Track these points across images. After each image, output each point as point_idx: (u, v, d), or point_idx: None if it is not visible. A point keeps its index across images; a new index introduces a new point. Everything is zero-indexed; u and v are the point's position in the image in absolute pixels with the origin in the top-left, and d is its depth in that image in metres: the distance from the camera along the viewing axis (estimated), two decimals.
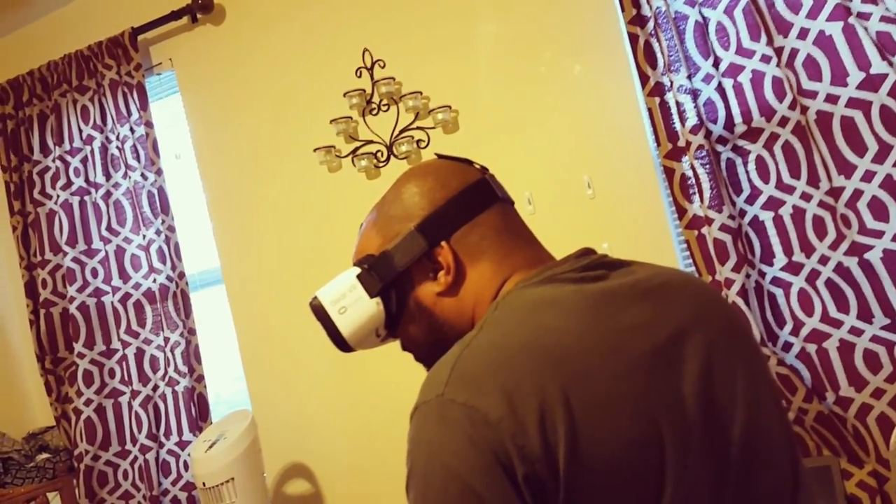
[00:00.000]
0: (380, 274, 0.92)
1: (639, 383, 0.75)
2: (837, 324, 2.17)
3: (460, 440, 0.71)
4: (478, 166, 0.97)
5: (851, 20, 2.07)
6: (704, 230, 2.30)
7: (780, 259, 2.24)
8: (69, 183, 3.19)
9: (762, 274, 2.27)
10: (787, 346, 2.23)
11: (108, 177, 3.16)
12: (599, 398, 0.72)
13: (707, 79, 2.29)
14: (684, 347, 0.79)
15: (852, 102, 2.10)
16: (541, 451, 0.69)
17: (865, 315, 2.13)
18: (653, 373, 0.76)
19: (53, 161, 3.22)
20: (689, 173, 2.32)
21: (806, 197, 2.20)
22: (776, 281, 2.25)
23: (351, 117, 2.86)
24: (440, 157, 0.98)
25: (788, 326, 2.24)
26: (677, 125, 2.32)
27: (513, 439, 0.69)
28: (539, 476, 0.69)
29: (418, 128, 2.80)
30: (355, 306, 0.94)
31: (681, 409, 0.75)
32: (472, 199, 0.91)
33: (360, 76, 2.86)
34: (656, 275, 0.86)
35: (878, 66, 2.06)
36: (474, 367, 0.75)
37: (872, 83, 2.07)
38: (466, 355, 0.77)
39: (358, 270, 0.94)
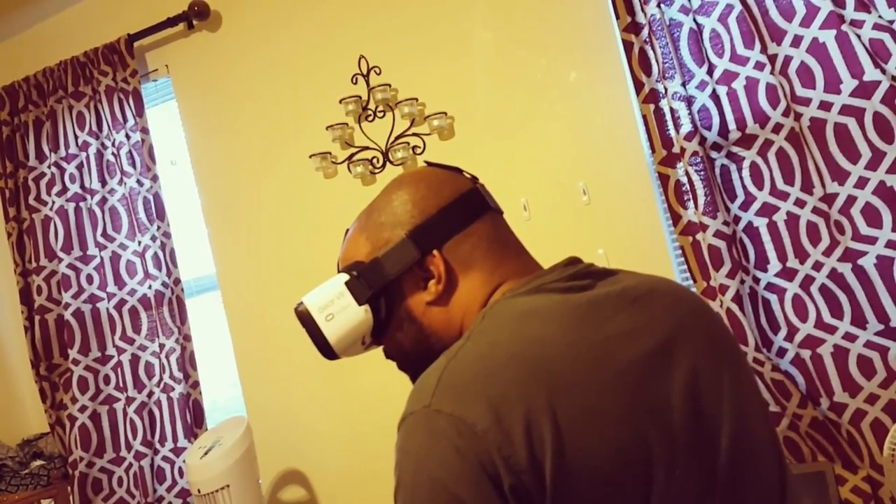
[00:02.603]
0: (369, 281, 0.91)
1: (625, 393, 0.75)
2: (832, 329, 2.17)
3: (447, 451, 0.71)
4: (468, 175, 0.96)
5: (845, 28, 2.09)
6: (699, 236, 2.30)
7: (775, 265, 2.25)
8: (65, 189, 3.19)
9: (756, 280, 2.27)
10: (782, 352, 2.24)
11: (103, 183, 3.16)
12: (585, 408, 0.72)
13: (701, 86, 2.29)
14: (671, 356, 0.79)
15: (846, 109, 2.11)
16: (527, 462, 0.69)
17: (859, 321, 2.14)
18: (639, 382, 0.76)
19: (49, 167, 3.22)
20: (684, 180, 2.32)
21: (800, 203, 2.20)
22: (770, 287, 2.26)
23: (347, 124, 2.87)
24: (430, 164, 0.97)
25: (783, 332, 2.24)
26: (672, 132, 2.33)
27: (499, 450, 0.69)
28: (526, 486, 0.69)
29: (414, 134, 2.81)
30: (343, 314, 0.92)
31: (668, 417, 0.76)
32: (464, 208, 0.91)
33: (355, 82, 2.87)
34: (642, 283, 0.86)
35: (871, 73, 2.07)
36: (461, 378, 0.75)
37: (865, 90, 2.08)
38: (453, 366, 0.76)
39: (346, 277, 0.93)
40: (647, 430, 0.74)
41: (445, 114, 2.74)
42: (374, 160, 2.87)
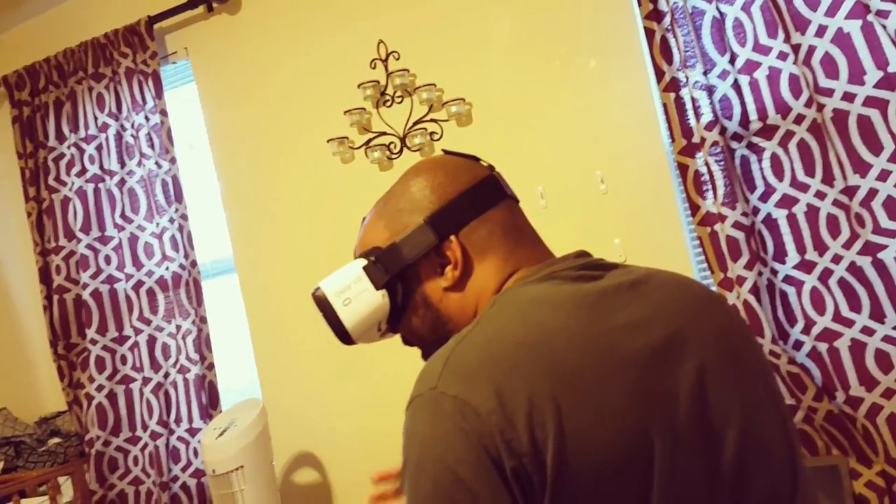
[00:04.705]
0: (386, 266, 0.92)
1: (628, 382, 0.75)
2: (849, 323, 2.16)
3: (451, 433, 0.72)
4: (485, 163, 0.97)
5: (870, 18, 2.06)
6: (717, 227, 2.29)
7: (793, 257, 2.24)
8: (84, 170, 3.21)
9: (774, 272, 2.26)
10: (798, 345, 2.23)
11: (122, 164, 3.18)
12: (588, 396, 0.73)
13: (723, 75, 2.28)
14: (680, 349, 0.79)
15: (869, 101, 2.09)
16: (528, 446, 0.70)
17: (878, 315, 2.12)
18: (645, 372, 0.76)
19: (68, 148, 3.24)
20: (703, 170, 2.31)
21: (820, 195, 2.19)
22: (788, 279, 2.25)
23: (364, 109, 2.86)
24: (447, 153, 0.98)
25: (800, 325, 2.23)
26: (692, 121, 2.31)
27: (501, 433, 0.70)
28: (526, 470, 0.70)
29: (432, 120, 2.80)
30: (360, 298, 0.93)
31: (672, 409, 0.76)
32: (481, 195, 0.91)
33: (374, 68, 2.86)
34: (653, 276, 0.87)
35: None
36: (467, 362, 0.76)
37: (890, 82, 2.06)
38: (460, 350, 0.77)
39: (363, 262, 0.93)
40: (650, 421, 0.74)
41: (463, 100, 2.73)
42: (392, 146, 2.86)
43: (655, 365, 0.77)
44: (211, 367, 3.06)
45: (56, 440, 3.15)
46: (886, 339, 2.11)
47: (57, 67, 3.27)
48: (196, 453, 3.07)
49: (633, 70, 2.52)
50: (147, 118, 3.12)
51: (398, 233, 0.91)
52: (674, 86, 2.34)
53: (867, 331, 2.13)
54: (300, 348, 3.05)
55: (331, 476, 3.05)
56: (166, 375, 3.11)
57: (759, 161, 2.27)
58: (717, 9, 2.27)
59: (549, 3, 2.62)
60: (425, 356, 0.98)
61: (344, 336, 0.96)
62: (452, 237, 0.89)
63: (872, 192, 2.09)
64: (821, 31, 2.13)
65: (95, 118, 3.22)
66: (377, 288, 0.93)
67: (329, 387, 3.03)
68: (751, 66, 2.25)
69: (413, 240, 0.90)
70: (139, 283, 3.17)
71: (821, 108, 2.14)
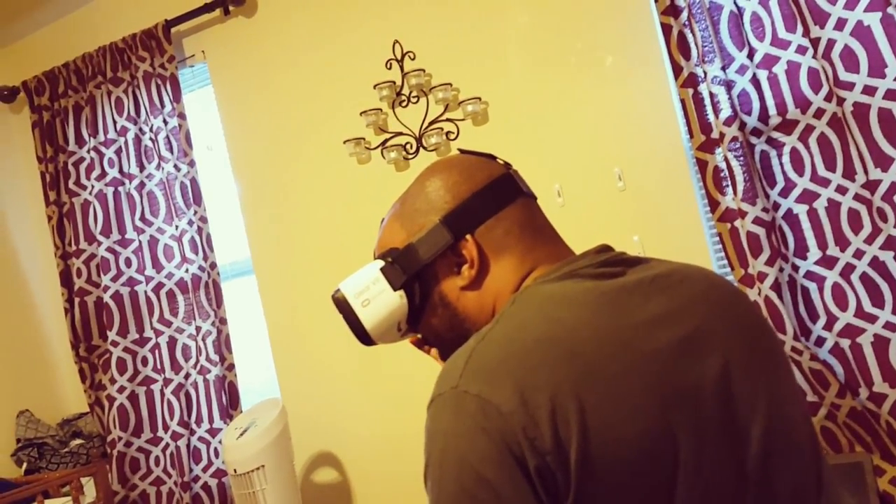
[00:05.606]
0: (404, 266, 0.92)
1: (652, 379, 0.74)
2: (872, 319, 2.14)
3: (474, 431, 0.72)
4: (501, 161, 0.97)
5: (890, 10, 2.04)
6: (737, 223, 2.27)
7: (815, 253, 2.22)
8: (103, 174, 3.24)
9: (796, 268, 2.24)
10: (821, 341, 2.21)
11: (141, 168, 3.21)
12: (611, 393, 0.72)
13: (741, 70, 2.26)
14: (703, 344, 0.79)
15: (890, 94, 2.06)
16: (552, 444, 0.70)
17: None
18: (668, 368, 0.76)
19: (88, 152, 3.27)
20: (723, 165, 2.30)
21: (841, 190, 2.17)
22: (810, 275, 2.23)
23: (381, 109, 2.87)
24: (463, 151, 0.98)
25: (822, 321, 2.21)
26: (711, 117, 2.30)
27: (524, 431, 0.70)
28: (550, 468, 0.70)
29: (448, 120, 2.80)
30: (378, 299, 0.93)
31: (696, 405, 0.75)
32: (497, 193, 0.91)
33: (390, 68, 2.87)
34: (675, 271, 0.86)
35: None
36: (488, 360, 0.76)
37: None
38: (481, 348, 0.77)
39: (381, 263, 0.94)
40: (674, 417, 0.73)
41: (479, 99, 2.73)
42: (408, 146, 2.87)
43: (679, 360, 0.76)
44: (231, 367, 3.08)
45: (78, 441, 3.18)
46: None
47: (76, 72, 3.31)
48: (217, 453, 3.09)
49: (650, 66, 2.51)
50: (165, 121, 3.14)
51: (414, 233, 0.92)
52: (692, 81, 2.33)
53: (890, 326, 2.11)
54: (318, 348, 3.06)
55: (350, 475, 3.06)
56: (187, 376, 3.13)
57: (779, 156, 2.25)
58: (735, 3, 2.26)
59: (564, 0, 2.61)
60: (444, 356, 0.98)
61: (364, 337, 0.96)
62: (468, 236, 0.89)
63: (894, 187, 2.07)
64: (840, 24, 2.11)
65: (114, 122, 3.24)
66: (395, 289, 0.93)
67: (347, 386, 3.04)
68: (769, 61, 2.23)
69: (429, 240, 0.90)
70: (159, 286, 3.20)
71: (841, 101, 2.12)
